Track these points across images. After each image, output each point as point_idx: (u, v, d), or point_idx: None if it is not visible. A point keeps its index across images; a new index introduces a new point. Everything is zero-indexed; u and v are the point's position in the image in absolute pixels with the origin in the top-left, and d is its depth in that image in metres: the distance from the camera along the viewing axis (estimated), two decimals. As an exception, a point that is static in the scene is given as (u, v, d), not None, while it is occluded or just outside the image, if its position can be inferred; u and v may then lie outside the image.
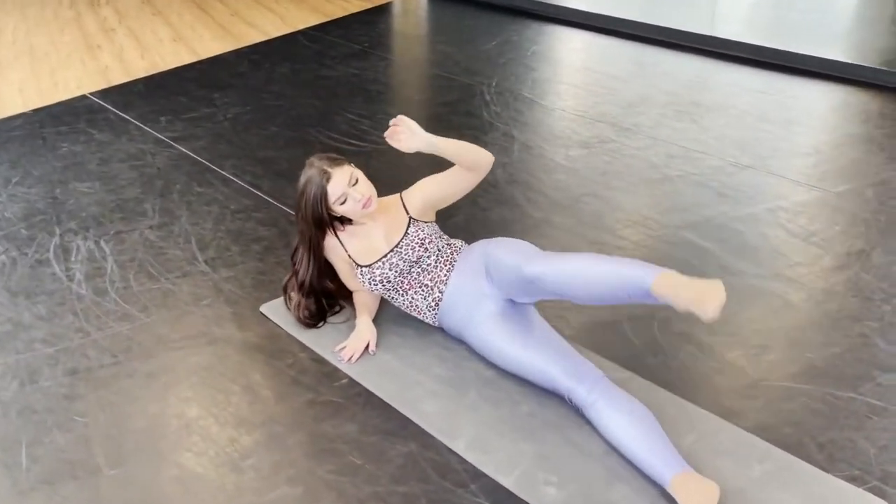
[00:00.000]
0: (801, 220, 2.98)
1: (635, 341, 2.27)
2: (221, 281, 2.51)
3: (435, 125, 3.90)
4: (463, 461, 1.82)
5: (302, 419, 1.94)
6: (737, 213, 3.04)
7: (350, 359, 2.13)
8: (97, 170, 3.28)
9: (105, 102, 4.06)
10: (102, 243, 2.71)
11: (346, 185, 2.07)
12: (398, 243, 2.15)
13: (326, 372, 2.10)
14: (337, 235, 2.19)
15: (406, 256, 2.14)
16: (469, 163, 2.11)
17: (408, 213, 2.19)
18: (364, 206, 2.09)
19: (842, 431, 1.93)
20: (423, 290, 2.17)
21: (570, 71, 4.92)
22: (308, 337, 2.23)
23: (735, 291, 2.51)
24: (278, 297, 2.42)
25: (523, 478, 1.77)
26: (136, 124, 3.78)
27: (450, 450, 1.85)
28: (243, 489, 1.73)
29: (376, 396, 2.01)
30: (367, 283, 2.19)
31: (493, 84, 4.45)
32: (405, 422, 1.93)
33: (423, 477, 1.77)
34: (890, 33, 5.95)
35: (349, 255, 2.20)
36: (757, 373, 2.14)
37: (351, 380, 2.07)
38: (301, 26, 5.67)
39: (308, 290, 2.21)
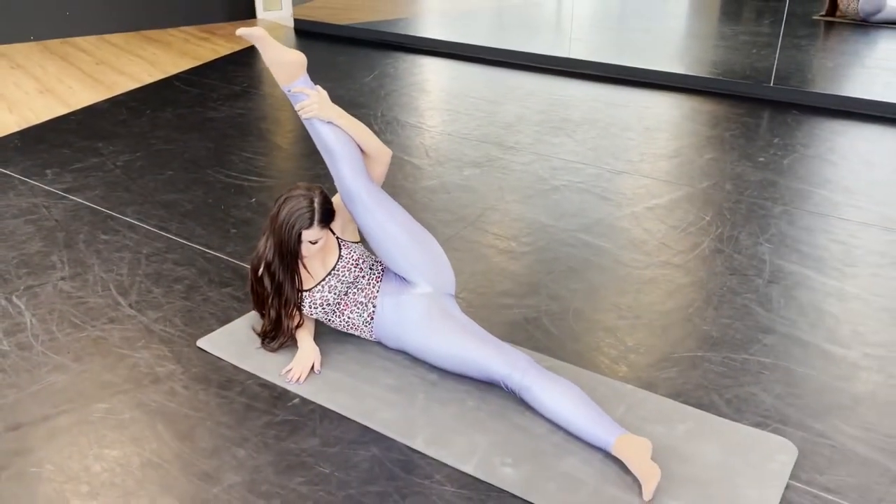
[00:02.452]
0: (677, 213, 3.35)
1: (555, 332, 2.49)
2: (151, 323, 2.52)
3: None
4: (425, 457, 1.95)
5: (264, 440, 2.00)
6: (621, 213, 3.36)
7: (298, 379, 2.21)
8: (-11, 228, 3.17)
9: (-20, 160, 3.90)
10: (15, 299, 2.64)
11: (309, 241, 2.19)
12: (335, 266, 2.27)
13: (277, 395, 2.18)
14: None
15: (343, 278, 2.26)
16: (369, 146, 2.23)
17: (333, 232, 2.31)
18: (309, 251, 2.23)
19: (742, 387, 2.23)
20: (358, 308, 2.29)
21: (448, 98, 5.19)
22: (252, 365, 2.30)
23: (633, 281, 2.81)
24: (212, 330, 2.47)
25: (482, 463, 1.93)
26: (20, 179, 3.66)
27: (411, 448, 1.98)
28: (221, 511, 1.78)
29: (331, 411, 2.11)
30: (306, 308, 2.29)
31: (379, 114, 4.64)
32: (364, 430, 2.05)
33: (390, 475, 1.89)
34: (727, 48, 6.66)
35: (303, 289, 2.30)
36: (665, 347, 2.42)
37: (303, 399, 2.16)
38: (174, 71, 5.64)
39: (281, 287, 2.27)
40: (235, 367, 2.29)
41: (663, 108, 5.01)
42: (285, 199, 2.20)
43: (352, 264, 2.28)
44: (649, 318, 2.58)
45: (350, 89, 5.16)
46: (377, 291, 2.28)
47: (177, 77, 5.48)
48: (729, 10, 8.93)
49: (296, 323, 2.34)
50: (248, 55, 6.10)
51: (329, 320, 2.34)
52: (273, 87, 5.38)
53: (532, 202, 3.47)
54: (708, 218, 3.31)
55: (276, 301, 2.29)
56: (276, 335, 2.34)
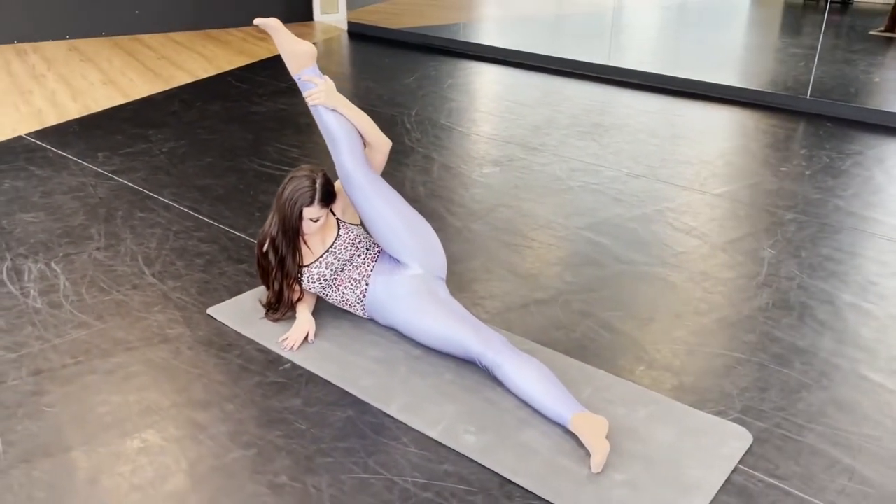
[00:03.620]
0: (685, 217, 3.42)
1: (541, 319, 2.61)
2: (169, 291, 2.74)
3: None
4: (396, 421, 2.10)
5: (252, 397, 2.19)
6: (630, 214, 3.45)
7: (292, 347, 2.40)
8: (40, 201, 3.47)
9: (42, 142, 4.24)
10: (53, 264, 2.91)
11: (310, 218, 2.37)
12: (332, 244, 2.45)
13: (271, 359, 2.37)
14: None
15: (340, 255, 2.44)
16: (370, 135, 2.41)
17: (335, 214, 2.49)
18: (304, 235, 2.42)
19: (712, 379, 2.31)
20: (352, 284, 2.47)
21: (483, 100, 5.34)
22: (253, 332, 2.49)
23: (627, 277, 2.91)
24: (223, 300, 2.68)
25: (447, 430, 2.07)
26: (74, 160, 3.98)
27: (384, 413, 2.13)
28: (204, 455, 1.97)
29: (318, 376, 2.28)
30: (305, 282, 2.48)
31: (413, 114, 4.82)
32: (344, 394, 2.21)
33: (361, 435, 2.05)
34: (775, 60, 6.63)
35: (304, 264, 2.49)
36: (645, 339, 2.51)
37: (294, 364, 2.34)
38: (228, 67, 5.95)
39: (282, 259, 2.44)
40: (238, 334, 2.49)
41: (695, 116, 5.05)
42: (290, 179, 2.39)
43: (349, 243, 2.45)
44: (635, 312, 2.67)
45: (390, 89, 5.36)
46: (371, 270, 2.45)
47: (230, 73, 5.79)
48: (788, 23, 8.83)
49: (296, 296, 2.52)
50: (300, 55, 6.37)
51: (326, 295, 2.51)
52: (318, 85, 5.63)
53: (544, 200, 3.59)
54: (715, 221, 3.36)
55: (278, 274, 2.48)
56: (279, 306, 2.53)
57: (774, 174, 3.92)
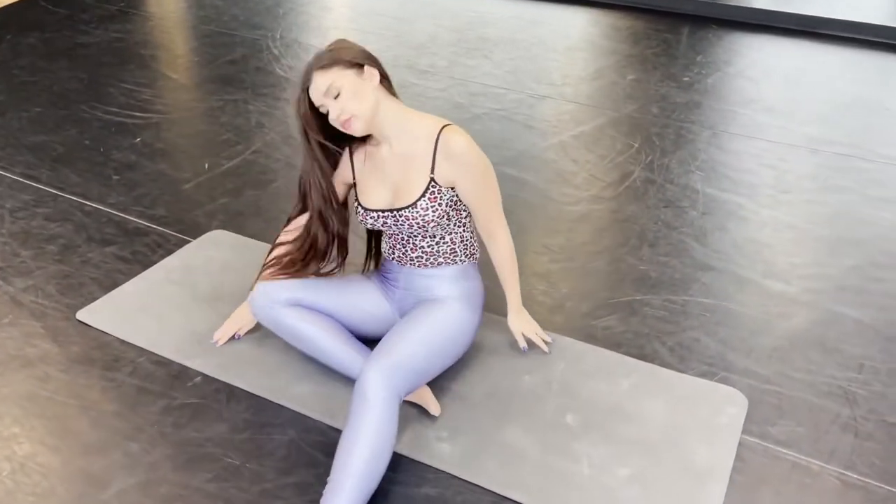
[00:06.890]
0: (605, 141, 3.16)
1: (488, 284, 2.28)
2: (18, 293, 2.16)
3: (226, 86, 3.62)
4: (349, 437, 1.74)
5: (161, 430, 1.74)
6: (546, 143, 3.15)
7: (217, 342, 1.94)
8: None
9: None
10: None
11: (321, 96, 1.70)
12: (400, 210, 1.79)
13: (175, 373, 1.90)
14: (352, 157, 1.88)
15: (400, 227, 1.83)
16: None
17: (432, 173, 1.77)
18: (343, 126, 1.72)
19: (685, 332, 2.10)
20: (390, 250, 1.92)
21: (354, 16, 4.78)
22: (144, 339, 2.00)
23: (564, 218, 2.63)
24: (95, 299, 2.14)
25: (415, 440, 1.73)
26: None
27: (333, 428, 1.76)
28: (112, 523, 1.52)
29: (239, 389, 1.86)
30: (359, 216, 1.88)
31: (278, 36, 4.21)
32: (278, 410, 1.81)
33: (311, 462, 1.67)
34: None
35: (355, 183, 1.89)
36: (602, 293, 2.25)
37: (205, 377, 1.89)
38: (38, -12, 4.96)
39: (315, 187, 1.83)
40: (124, 343, 1.99)
41: (582, 25, 4.76)
42: None
43: (417, 223, 1.79)
44: (583, 261, 2.40)
45: (245, 8, 4.66)
46: (401, 279, 1.92)
47: (42, -5, 4.83)
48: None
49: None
50: (125, -31, 5.44)
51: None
52: (156, 6, 4.81)
53: (451, 133, 3.20)
54: (637, 145, 3.13)
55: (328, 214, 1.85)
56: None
57: (679, 85, 3.73)
